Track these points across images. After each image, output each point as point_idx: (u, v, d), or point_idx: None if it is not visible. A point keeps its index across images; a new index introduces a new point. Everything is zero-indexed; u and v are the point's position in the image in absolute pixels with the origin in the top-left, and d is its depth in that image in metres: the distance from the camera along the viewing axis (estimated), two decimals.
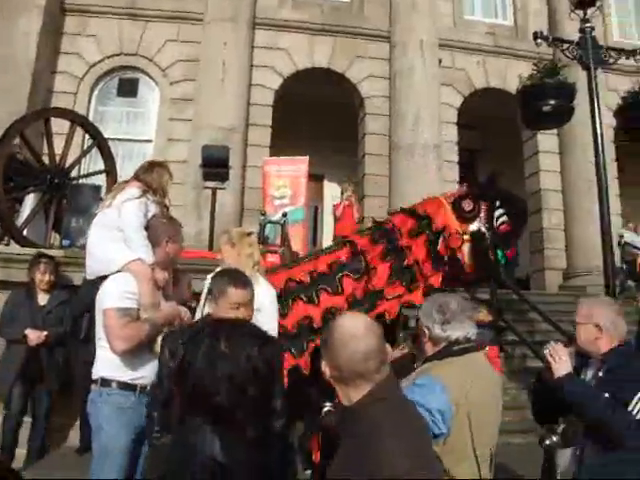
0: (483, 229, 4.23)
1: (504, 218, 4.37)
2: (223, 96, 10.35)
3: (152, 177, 3.42)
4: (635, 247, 11.91)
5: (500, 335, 6.08)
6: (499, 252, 4.31)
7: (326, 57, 11.63)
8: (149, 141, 10.82)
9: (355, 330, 1.64)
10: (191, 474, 1.32)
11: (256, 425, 1.41)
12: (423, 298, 3.48)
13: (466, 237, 4.22)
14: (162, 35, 11.12)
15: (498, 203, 4.27)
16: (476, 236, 4.29)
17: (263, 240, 8.87)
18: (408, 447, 1.54)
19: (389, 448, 1.50)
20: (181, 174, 9.89)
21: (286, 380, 2.84)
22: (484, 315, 5.51)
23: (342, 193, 10.47)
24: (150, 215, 3.24)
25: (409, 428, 1.62)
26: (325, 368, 1.68)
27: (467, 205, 3.98)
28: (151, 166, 3.51)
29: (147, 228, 3.15)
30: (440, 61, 11.86)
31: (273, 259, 8.54)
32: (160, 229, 3.11)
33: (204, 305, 3.45)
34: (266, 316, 3.34)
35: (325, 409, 4.19)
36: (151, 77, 11.14)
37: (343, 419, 1.69)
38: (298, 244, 9.59)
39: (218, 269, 3.76)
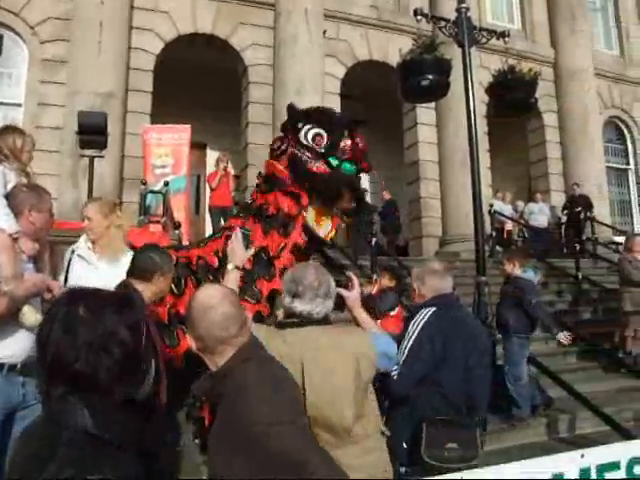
0: None
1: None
2: (100, 59, 9.88)
3: (6, 143, 3.23)
4: (503, 215, 12.93)
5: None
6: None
7: (210, 23, 11.44)
8: (18, 105, 10.19)
9: (210, 299, 1.74)
10: (60, 451, 1.22)
11: (126, 390, 1.33)
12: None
13: None
14: None
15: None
16: None
17: (144, 210, 8.79)
18: (273, 401, 1.62)
19: (253, 404, 1.59)
20: (56, 141, 9.55)
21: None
22: (387, 280, 6.02)
23: (217, 163, 10.48)
24: (11, 185, 3.09)
25: (273, 384, 1.69)
26: (190, 340, 1.78)
27: (276, 143, 3.44)
28: (5, 131, 3.32)
29: (8, 197, 2.99)
30: (325, 32, 12.02)
31: (154, 229, 8.50)
32: (20, 197, 2.99)
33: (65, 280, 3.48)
34: None
35: (204, 377, 4.30)
36: (18, 34, 10.39)
37: (212, 385, 1.75)
38: (181, 213, 9.55)
39: (86, 238, 3.79)
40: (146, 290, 2.80)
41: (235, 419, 1.61)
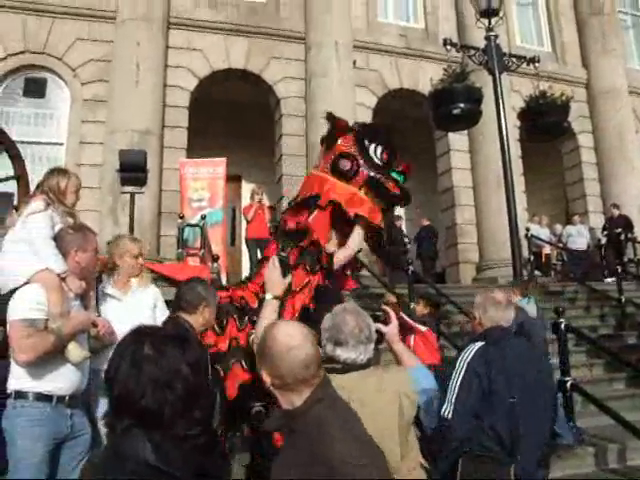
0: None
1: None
2: (137, 97, 10.27)
3: (50, 186, 3.36)
4: (540, 239, 12.79)
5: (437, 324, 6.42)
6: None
7: (242, 58, 11.75)
8: (60, 144, 10.58)
9: (292, 340, 1.76)
10: None
11: (186, 424, 1.40)
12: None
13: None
14: (71, 33, 10.83)
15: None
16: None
17: (183, 243, 8.99)
18: (354, 437, 1.68)
19: (338, 438, 1.63)
20: (96, 178, 9.86)
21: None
22: (422, 307, 6.04)
23: (252, 195, 10.56)
24: (58, 227, 3.24)
25: (350, 423, 1.75)
26: (266, 377, 1.79)
27: (344, 164, 3.21)
28: (50, 174, 3.45)
29: (56, 239, 3.14)
30: (354, 62, 12.23)
31: (193, 262, 8.67)
32: (67, 239, 3.14)
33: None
34: (161, 312, 3.64)
35: (255, 409, 4.34)
36: (61, 77, 10.86)
37: (287, 422, 1.79)
38: (218, 246, 9.73)
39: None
40: (194, 322, 2.90)
41: (316, 456, 1.62)
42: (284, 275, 2.84)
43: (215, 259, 7.71)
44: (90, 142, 10.36)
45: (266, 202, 10.98)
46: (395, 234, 11.81)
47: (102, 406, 3.13)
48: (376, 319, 2.49)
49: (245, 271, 11.77)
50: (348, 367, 2.15)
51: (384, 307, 2.71)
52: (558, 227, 13.87)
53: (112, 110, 10.36)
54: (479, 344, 2.75)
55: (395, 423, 2.09)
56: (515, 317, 3.03)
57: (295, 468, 1.67)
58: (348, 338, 2.15)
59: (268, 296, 2.72)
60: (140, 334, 1.46)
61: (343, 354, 2.15)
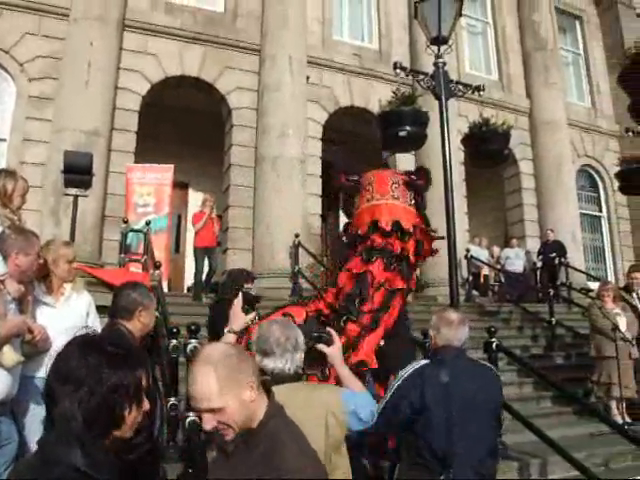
0: None
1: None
2: (87, 98, 10.05)
3: None
4: (479, 260, 13.19)
5: None
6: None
7: (196, 65, 11.71)
8: (3, 140, 10.27)
9: (208, 358, 1.70)
10: None
11: (116, 436, 1.43)
12: None
13: None
14: (21, 26, 10.52)
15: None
16: None
17: (125, 249, 8.85)
18: (306, 457, 1.70)
19: (293, 454, 1.65)
20: (39, 177, 9.58)
21: None
22: None
23: (204, 204, 10.62)
24: (0, 229, 3.21)
25: (302, 440, 1.77)
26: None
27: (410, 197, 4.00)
28: None
29: None
30: (308, 78, 12.37)
31: (135, 268, 8.56)
32: (8, 242, 3.11)
33: None
34: (93, 319, 3.65)
35: (189, 419, 4.34)
36: (7, 71, 10.52)
37: (238, 439, 1.74)
38: (161, 253, 9.63)
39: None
40: (132, 327, 2.92)
41: (266, 468, 1.63)
42: (247, 311, 2.90)
43: (157, 266, 7.63)
44: (35, 140, 10.07)
45: (214, 212, 10.99)
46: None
47: (31, 414, 3.12)
48: (319, 339, 2.56)
49: (188, 279, 11.72)
50: (276, 378, 2.20)
51: (328, 329, 2.76)
52: (496, 249, 14.34)
53: (59, 109, 10.12)
54: (422, 362, 2.88)
55: (321, 441, 2.12)
56: None
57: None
58: (274, 347, 2.22)
59: (226, 330, 2.73)
60: (79, 344, 1.47)
61: (270, 363, 2.22)
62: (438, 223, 11.40)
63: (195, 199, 11.81)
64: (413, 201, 3.97)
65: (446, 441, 2.66)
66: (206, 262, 10.37)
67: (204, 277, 10.33)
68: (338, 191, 4.26)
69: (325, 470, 1.78)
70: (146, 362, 2.71)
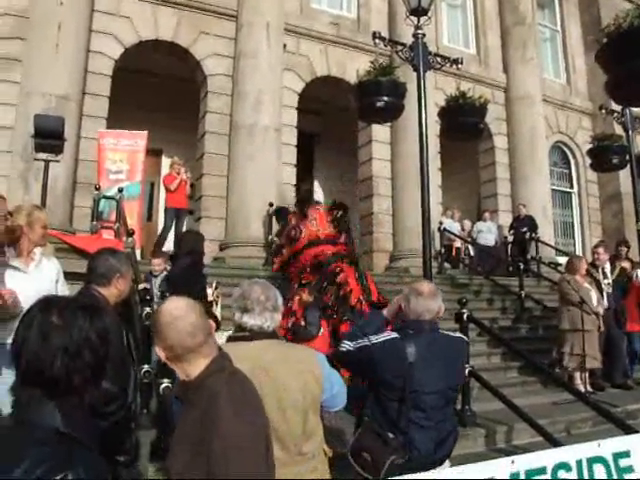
0: None
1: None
2: (57, 60, 9.70)
3: None
4: (451, 233, 13.32)
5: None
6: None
7: (171, 30, 11.45)
8: None
9: (177, 311, 1.84)
10: (32, 450, 1.26)
11: (93, 392, 1.43)
12: None
13: None
14: None
15: None
16: None
17: (97, 216, 8.77)
18: (242, 421, 1.71)
19: (223, 419, 1.68)
20: (6, 142, 9.37)
21: None
22: (307, 296, 5.90)
23: (173, 166, 10.88)
24: None
25: (243, 400, 1.79)
26: (159, 351, 1.85)
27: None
28: None
29: None
30: (285, 46, 12.20)
31: (108, 236, 8.48)
32: None
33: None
34: (62, 286, 3.67)
35: (163, 385, 4.41)
36: None
37: (184, 391, 1.87)
38: (133, 220, 9.52)
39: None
40: (107, 294, 2.91)
41: (203, 429, 1.69)
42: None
43: (130, 234, 7.57)
44: (2, 102, 9.77)
45: (188, 177, 11.02)
46: None
47: (2, 381, 3.09)
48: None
49: (169, 244, 11.54)
50: (255, 334, 2.27)
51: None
52: (467, 223, 14.48)
53: (28, 71, 9.77)
54: (393, 335, 2.86)
55: (299, 397, 2.21)
56: None
57: (187, 442, 1.74)
58: (254, 305, 2.26)
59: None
60: (47, 304, 1.46)
61: (250, 320, 2.27)
62: (413, 195, 11.73)
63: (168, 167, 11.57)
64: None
65: (404, 415, 2.73)
66: (174, 222, 10.61)
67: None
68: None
69: (263, 435, 1.78)
70: (120, 325, 2.78)
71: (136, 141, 10.22)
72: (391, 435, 2.70)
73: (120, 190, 9.16)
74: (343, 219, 5.84)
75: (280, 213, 7.95)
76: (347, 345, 2.88)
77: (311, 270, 5.49)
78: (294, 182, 12.18)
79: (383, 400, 2.79)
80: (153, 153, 12.29)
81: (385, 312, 3.06)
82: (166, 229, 10.62)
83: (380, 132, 13.32)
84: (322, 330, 5.53)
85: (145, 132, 10.31)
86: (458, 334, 3.25)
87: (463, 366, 3.04)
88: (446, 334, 3.01)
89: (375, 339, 2.82)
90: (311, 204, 6.10)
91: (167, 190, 10.82)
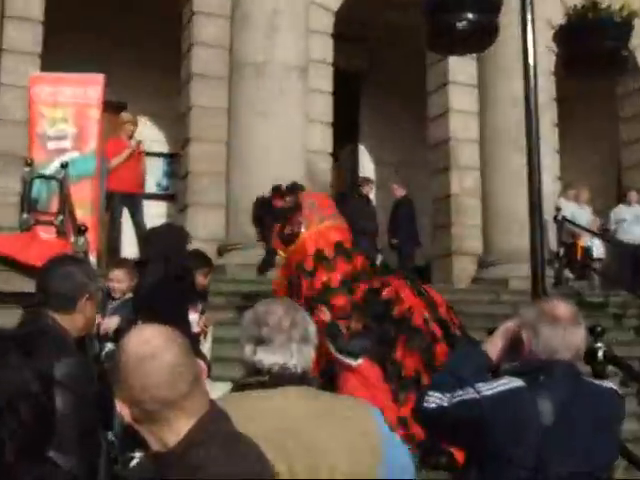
0: None
1: None
2: None
3: None
4: (575, 225, 13.04)
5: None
6: None
7: None
8: None
9: (149, 346, 1.79)
10: None
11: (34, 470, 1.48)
12: None
13: None
14: None
15: None
16: None
17: (29, 204, 8.75)
18: None
19: None
20: None
21: None
22: (354, 324, 5.98)
23: (120, 126, 10.97)
24: None
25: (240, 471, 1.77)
26: (122, 409, 1.80)
27: None
28: None
29: None
30: None
31: (46, 234, 8.48)
32: None
33: None
34: None
35: (134, 462, 4.42)
36: None
37: (158, 469, 1.82)
38: (86, 211, 9.49)
39: None
40: (69, 324, 2.92)
41: None
42: None
43: (81, 231, 7.58)
44: None
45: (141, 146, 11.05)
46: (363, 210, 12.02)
47: None
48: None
49: (127, 248, 11.58)
50: (275, 379, 2.23)
51: None
52: (607, 210, 14.22)
53: None
54: (514, 383, 2.76)
55: (345, 469, 2.16)
56: None
57: None
58: (274, 334, 2.24)
59: None
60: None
61: (267, 357, 2.24)
62: (513, 165, 11.55)
63: (138, 129, 11.47)
64: None
65: None
66: (122, 214, 10.76)
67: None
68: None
69: None
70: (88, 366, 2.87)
71: (87, 90, 10.18)
72: None
73: (64, 166, 9.08)
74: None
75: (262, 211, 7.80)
76: (436, 398, 2.78)
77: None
78: (330, 150, 12.12)
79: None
80: (114, 109, 12.07)
81: (488, 347, 2.97)
82: (116, 229, 10.68)
83: (460, 70, 13.17)
84: (360, 361, 5.73)
85: (101, 76, 10.21)
86: (608, 384, 3.15)
87: (618, 434, 2.98)
88: (593, 383, 2.93)
89: (487, 389, 2.71)
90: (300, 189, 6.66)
91: (110, 165, 10.76)
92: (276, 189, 7.31)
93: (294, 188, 6.96)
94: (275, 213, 6.71)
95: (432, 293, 5.81)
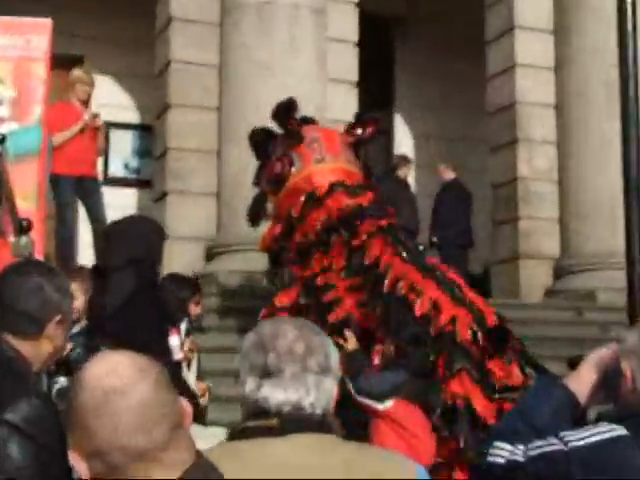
0: None
1: None
2: None
3: None
4: None
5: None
6: None
7: None
8: None
9: (115, 379, 1.74)
10: None
11: None
12: None
13: None
14: None
15: None
16: None
17: None
18: None
19: None
20: None
21: None
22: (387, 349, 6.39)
23: (71, 85, 10.92)
24: None
25: None
26: (78, 463, 1.76)
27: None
28: None
29: None
30: None
31: None
32: None
33: None
34: None
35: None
36: None
37: None
38: (30, 201, 9.17)
39: None
40: (33, 351, 2.99)
41: None
42: None
43: (24, 228, 7.12)
44: None
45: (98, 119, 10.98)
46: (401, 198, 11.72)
47: None
48: None
49: (83, 251, 11.72)
50: (285, 423, 2.25)
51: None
52: None
53: None
54: (615, 431, 2.69)
55: None
56: None
57: None
58: (283, 362, 2.28)
59: None
60: None
61: (274, 394, 2.26)
62: (601, 140, 11.02)
63: (99, 89, 11.41)
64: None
65: None
66: (68, 199, 10.80)
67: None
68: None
69: None
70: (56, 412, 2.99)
71: (29, 39, 9.94)
72: None
73: (1, 140, 8.68)
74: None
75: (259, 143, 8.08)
76: (506, 451, 2.80)
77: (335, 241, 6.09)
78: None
79: None
80: (67, 64, 12.01)
81: (571, 382, 2.99)
82: (65, 225, 10.77)
83: (530, 12, 13.05)
84: (389, 403, 5.91)
85: (48, 20, 9.97)
86: None
87: None
88: None
89: (576, 439, 2.69)
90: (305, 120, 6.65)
91: (54, 141, 10.42)
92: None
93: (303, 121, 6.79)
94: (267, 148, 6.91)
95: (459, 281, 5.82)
